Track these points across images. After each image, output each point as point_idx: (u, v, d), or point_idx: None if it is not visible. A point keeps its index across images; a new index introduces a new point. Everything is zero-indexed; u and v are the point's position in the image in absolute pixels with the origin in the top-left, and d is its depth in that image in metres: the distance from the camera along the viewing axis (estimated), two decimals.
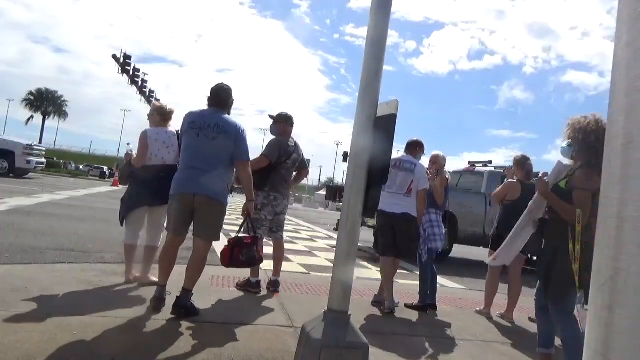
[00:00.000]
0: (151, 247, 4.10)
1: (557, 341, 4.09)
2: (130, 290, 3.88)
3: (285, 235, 4.74)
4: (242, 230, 3.69)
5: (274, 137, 4.58)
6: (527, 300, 4.37)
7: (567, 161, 3.02)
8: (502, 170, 9.11)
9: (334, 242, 3.90)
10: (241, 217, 3.72)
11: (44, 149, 21.23)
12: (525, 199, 3.41)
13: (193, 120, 3.41)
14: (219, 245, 4.04)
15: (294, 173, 4.73)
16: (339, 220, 3.03)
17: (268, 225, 4.39)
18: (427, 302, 4.53)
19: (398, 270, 4.69)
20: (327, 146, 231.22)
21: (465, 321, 4.32)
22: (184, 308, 3.24)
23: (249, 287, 4.31)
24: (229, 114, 3.57)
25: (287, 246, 4.82)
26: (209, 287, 4.27)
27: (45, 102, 64.25)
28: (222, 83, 3.59)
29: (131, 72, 32.36)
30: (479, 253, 10.61)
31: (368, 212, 2.42)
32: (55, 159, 47.32)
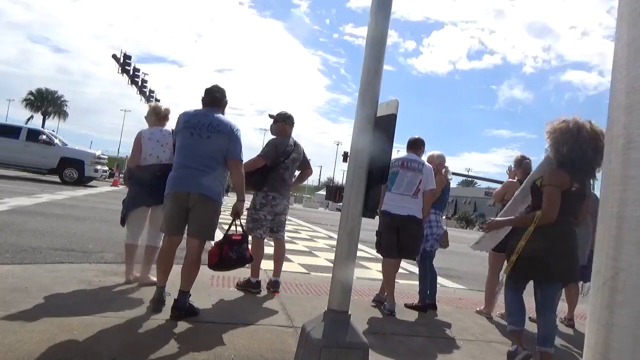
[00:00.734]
0: (151, 247, 4.10)
1: (559, 341, 4.09)
2: (130, 290, 3.88)
3: (286, 235, 4.73)
4: (228, 230, 3.62)
5: (274, 136, 4.58)
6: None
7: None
8: None
9: (334, 242, 3.90)
10: (242, 217, 3.70)
11: (106, 157, 22.18)
12: None
13: (187, 119, 3.40)
14: None
15: (297, 173, 4.73)
16: None
17: (268, 225, 4.39)
18: (426, 301, 4.53)
19: (398, 270, 4.67)
20: (327, 146, 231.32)
21: (465, 321, 4.32)
22: (183, 310, 3.23)
23: (249, 287, 4.31)
24: (223, 113, 3.56)
25: (287, 246, 4.81)
26: (209, 287, 4.27)
27: (45, 102, 64.27)
28: (215, 85, 3.59)
29: (131, 72, 32.39)
30: (479, 253, 10.62)
31: (368, 212, 2.42)
32: None
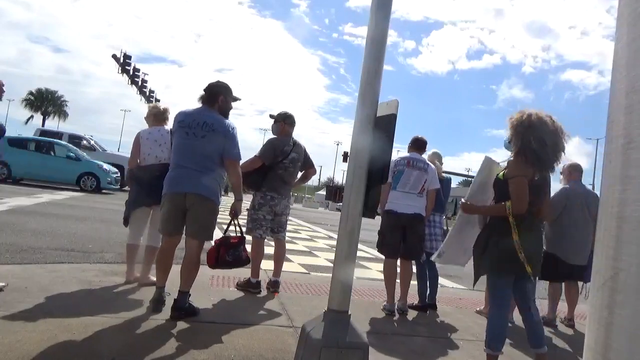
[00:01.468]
0: (152, 247, 4.11)
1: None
2: (130, 290, 3.88)
3: (286, 235, 4.72)
4: (226, 230, 3.61)
5: (274, 136, 4.59)
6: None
7: (500, 158, 3.23)
8: None
9: (334, 242, 3.91)
10: (242, 217, 3.70)
11: None
12: None
13: (182, 118, 3.37)
14: None
15: (300, 172, 4.73)
16: None
17: (268, 225, 4.39)
18: (426, 301, 4.52)
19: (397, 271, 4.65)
20: (327, 146, 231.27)
21: (465, 321, 4.32)
22: (183, 310, 3.23)
23: (249, 287, 4.31)
24: (223, 112, 3.49)
25: (287, 246, 4.81)
26: (209, 287, 4.27)
27: (45, 102, 64.24)
28: (217, 80, 3.55)
29: (131, 72, 32.38)
30: None
31: (368, 212, 2.42)
32: None
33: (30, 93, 64.27)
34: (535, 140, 2.76)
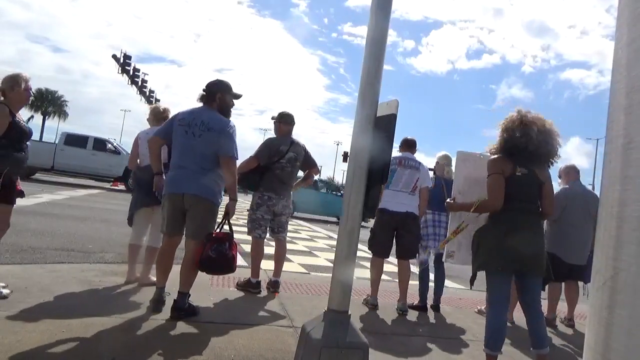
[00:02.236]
0: (152, 247, 4.11)
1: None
2: (130, 290, 3.88)
3: (287, 235, 4.72)
4: (218, 228, 3.48)
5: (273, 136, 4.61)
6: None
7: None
8: None
9: (334, 242, 3.90)
10: (242, 216, 3.69)
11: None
12: None
13: (182, 117, 3.36)
14: None
15: (302, 173, 4.74)
16: None
17: (267, 225, 4.39)
18: (426, 302, 4.53)
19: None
20: (327, 146, 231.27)
21: (465, 321, 4.32)
22: (183, 310, 3.23)
23: (249, 287, 4.31)
24: (223, 110, 3.46)
25: (287, 246, 4.80)
26: (209, 287, 4.26)
27: (45, 102, 64.23)
28: (216, 79, 3.54)
29: (131, 72, 32.34)
30: None
31: (368, 211, 2.42)
32: None
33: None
34: (513, 135, 2.82)
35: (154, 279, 3.71)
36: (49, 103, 65.08)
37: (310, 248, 8.52)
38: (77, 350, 2.53)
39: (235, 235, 3.53)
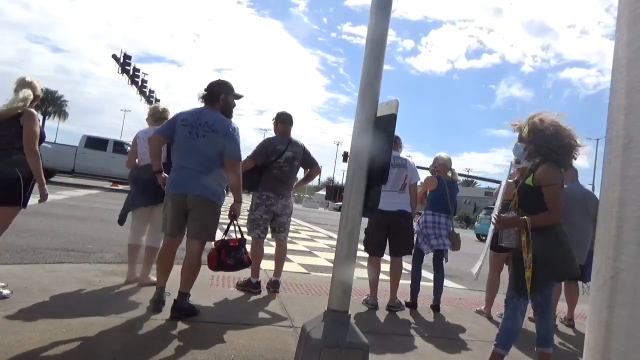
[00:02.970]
0: (151, 247, 4.11)
1: (559, 340, 4.09)
2: (130, 290, 3.88)
3: (287, 235, 4.71)
4: (228, 232, 3.58)
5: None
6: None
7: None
8: None
9: (334, 242, 3.92)
10: (242, 216, 3.70)
11: None
12: None
13: (185, 117, 3.36)
14: None
15: (303, 172, 4.74)
16: None
17: (265, 225, 4.39)
18: (416, 299, 4.56)
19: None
20: (327, 146, 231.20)
21: (465, 321, 4.32)
22: (183, 310, 3.23)
23: (249, 287, 4.31)
24: (226, 111, 3.48)
25: (287, 246, 4.80)
26: (209, 287, 4.27)
27: (45, 102, 64.23)
28: (218, 79, 3.54)
29: (131, 72, 32.36)
30: (479, 252, 10.59)
31: (368, 212, 2.42)
32: None
33: None
34: (560, 145, 2.77)
35: (154, 279, 3.71)
36: (49, 103, 65.09)
37: (310, 248, 8.52)
38: (77, 350, 2.52)
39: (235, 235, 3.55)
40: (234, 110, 3.57)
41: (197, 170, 3.27)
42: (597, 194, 4.36)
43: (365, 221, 2.47)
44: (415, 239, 4.63)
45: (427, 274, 4.84)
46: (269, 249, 4.84)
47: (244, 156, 4.14)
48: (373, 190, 2.41)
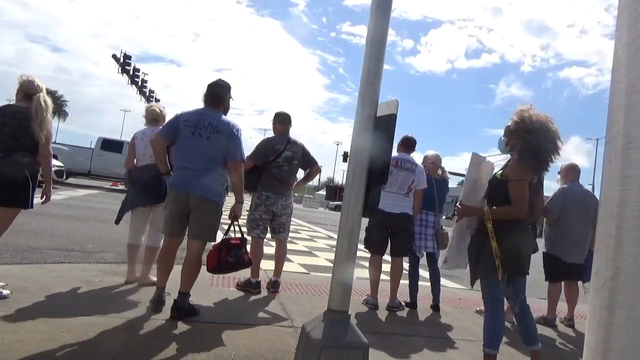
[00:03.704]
0: (151, 247, 4.11)
1: (560, 341, 4.09)
2: (130, 290, 3.88)
3: (288, 235, 4.71)
4: (229, 232, 3.58)
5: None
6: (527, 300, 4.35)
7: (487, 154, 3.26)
8: None
9: (334, 242, 3.92)
10: (242, 217, 3.70)
11: None
12: None
13: (188, 118, 3.36)
14: None
15: (303, 172, 4.74)
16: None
17: (265, 225, 4.39)
18: (415, 299, 4.56)
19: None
20: (327, 146, 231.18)
21: (465, 321, 4.32)
22: (183, 310, 3.23)
23: (249, 287, 4.31)
24: (225, 111, 3.51)
25: (287, 246, 4.80)
26: (209, 287, 4.27)
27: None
28: (219, 79, 3.54)
29: (131, 72, 32.36)
30: None
31: (368, 212, 2.42)
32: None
33: None
34: (538, 145, 2.75)
35: (154, 279, 3.72)
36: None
37: (310, 248, 8.52)
38: (77, 350, 2.52)
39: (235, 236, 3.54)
40: (233, 110, 3.64)
41: (200, 170, 3.28)
42: (597, 194, 4.37)
43: (365, 220, 2.47)
44: None
45: (426, 274, 4.84)
46: (269, 249, 4.84)
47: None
48: (373, 190, 2.41)
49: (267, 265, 4.83)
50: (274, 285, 4.41)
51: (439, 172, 4.81)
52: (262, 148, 4.43)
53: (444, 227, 4.73)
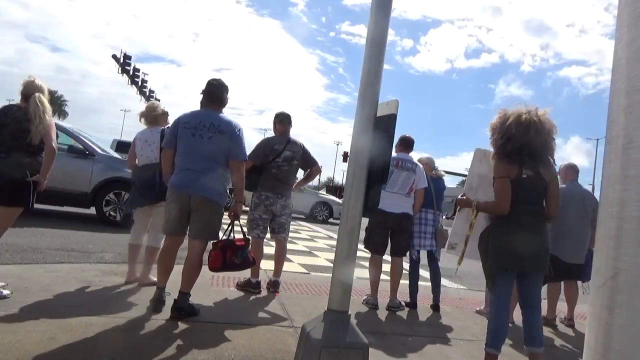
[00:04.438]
0: (152, 247, 4.11)
1: (560, 341, 4.09)
2: (130, 290, 3.88)
3: (287, 235, 4.71)
4: (228, 232, 3.58)
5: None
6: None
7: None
8: None
9: (334, 242, 3.93)
10: (242, 218, 3.70)
11: None
12: None
13: (188, 120, 3.37)
14: None
15: (304, 172, 4.75)
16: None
17: (265, 225, 4.40)
18: (415, 299, 4.56)
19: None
20: (327, 146, 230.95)
21: (465, 321, 4.32)
22: (183, 310, 3.23)
23: (249, 287, 4.31)
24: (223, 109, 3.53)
25: (287, 246, 4.80)
26: (209, 287, 4.27)
27: None
28: (217, 79, 3.53)
29: (131, 72, 32.39)
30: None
31: (368, 212, 2.42)
32: None
33: None
34: (507, 140, 2.83)
35: (154, 279, 3.72)
36: (49, 103, 64.92)
37: (310, 248, 8.52)
38: (77, 350, 2.52)
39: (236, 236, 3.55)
40: (233, 110, 3.71)
41: (201, 171, 3.28)
42: (597, 194, 4.37)
43: (365, 220, 2.48)
44: None
45: (426, 273, 4.84)
46: (269, 249, 4.84)
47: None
48: (373, 190, 2.41)
49: (267, 265, 4.83)
50: (274, 285, 4.41)
51: (433, 172, 4.84)
52: (261, 148, 4.44)
53: (443, 227, 4.73)
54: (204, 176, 3.28)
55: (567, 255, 4.36)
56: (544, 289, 4.73)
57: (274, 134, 4.64)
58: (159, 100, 34.01)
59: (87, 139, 7.98)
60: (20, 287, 3.45)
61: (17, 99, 3.55)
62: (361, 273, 5.34)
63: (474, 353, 3.40)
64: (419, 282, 4.69)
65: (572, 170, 4.70)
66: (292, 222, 4.95)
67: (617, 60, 1.10)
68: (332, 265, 2.52)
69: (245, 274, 4.37)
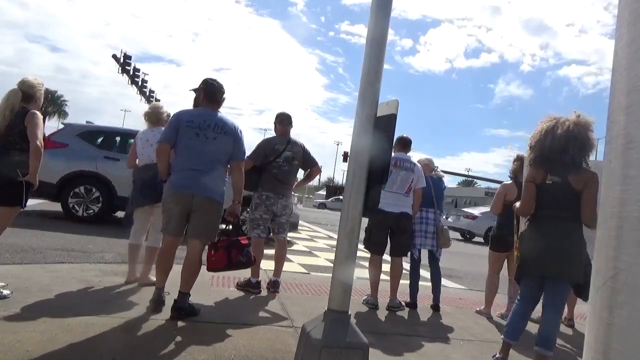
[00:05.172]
0: (152, 247, 4.11)
1: (560, 341, 4.09)
2: (130, 290, 3.88)
3: (287, 235, 4.72)
4: (232, 232, 3.59)
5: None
6: None
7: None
8: None
9: (334, 242, 3.93)
10: (243, 217, 3.70)
11: None
12: None
13: (191, 119, 3.34)
14: None
15: (304, 172, 4.75)
16: None
17: (265, 225, 4.40)
18: (416, 299, 4.56)
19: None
20: (327, 146, 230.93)
21: (465, 321, 4.32)
22: (183, 310, 3.23)
23: (249, 287, 4.31)
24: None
25: (287, 246, 4.81)
26: (209, 287, 4.27)
27: (45, 102, 64.29)
28: (214, 79, 3.52)
29: (131, 72, 32.39)
30: (480, 252, 10.60)
31: (368, 212, 2.42)
32: None
33: None
34: (533, 146, 3.00)
35: (154, 279, 3.71)
36: (49, 103, 65.14)
37: (310, 248, 8.52)
38: (77, 350, 2.52)
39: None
40: (232, 110, 3.75)
41: (204, 171, 3.29)
42: None
43: (365, 221, 2.48)
44: None
45: (427, 274, 4.84)
46: (269, 249, 4.84)
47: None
48: (373, 190, 2.41)
49: (267, 265, 4.83)
50: (274, 285, 4.41)
51: (433, 173, 4.86)
52: (262, 148, 4.44)
53: (444, 226, 4.74)
54: (206, 176, 3.28)
55: None
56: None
57: (274, 134, 4.64)
58: (158, 100, 34.04)
59: None
60: (20, 287, 3.45)
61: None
62: (361, 273, 5.34)
63: (474, 353, 3.41)
64: (419, 282, 4.69)
65: None
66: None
67: (617, 60, 1.10)
68: (332, 265, 2.52)
69: (246, 274, 4.38)
